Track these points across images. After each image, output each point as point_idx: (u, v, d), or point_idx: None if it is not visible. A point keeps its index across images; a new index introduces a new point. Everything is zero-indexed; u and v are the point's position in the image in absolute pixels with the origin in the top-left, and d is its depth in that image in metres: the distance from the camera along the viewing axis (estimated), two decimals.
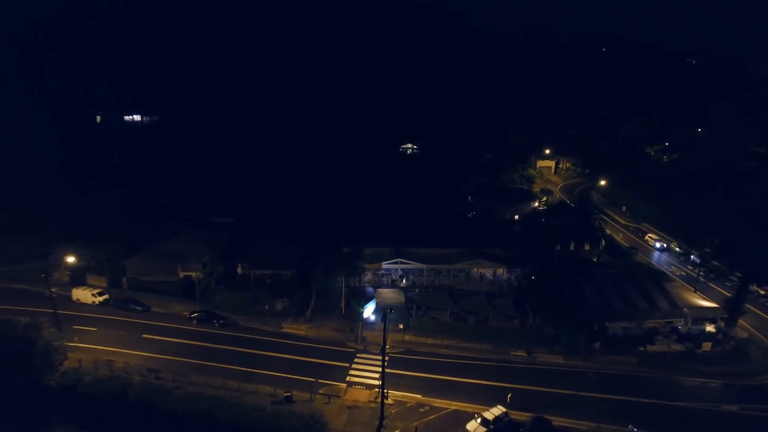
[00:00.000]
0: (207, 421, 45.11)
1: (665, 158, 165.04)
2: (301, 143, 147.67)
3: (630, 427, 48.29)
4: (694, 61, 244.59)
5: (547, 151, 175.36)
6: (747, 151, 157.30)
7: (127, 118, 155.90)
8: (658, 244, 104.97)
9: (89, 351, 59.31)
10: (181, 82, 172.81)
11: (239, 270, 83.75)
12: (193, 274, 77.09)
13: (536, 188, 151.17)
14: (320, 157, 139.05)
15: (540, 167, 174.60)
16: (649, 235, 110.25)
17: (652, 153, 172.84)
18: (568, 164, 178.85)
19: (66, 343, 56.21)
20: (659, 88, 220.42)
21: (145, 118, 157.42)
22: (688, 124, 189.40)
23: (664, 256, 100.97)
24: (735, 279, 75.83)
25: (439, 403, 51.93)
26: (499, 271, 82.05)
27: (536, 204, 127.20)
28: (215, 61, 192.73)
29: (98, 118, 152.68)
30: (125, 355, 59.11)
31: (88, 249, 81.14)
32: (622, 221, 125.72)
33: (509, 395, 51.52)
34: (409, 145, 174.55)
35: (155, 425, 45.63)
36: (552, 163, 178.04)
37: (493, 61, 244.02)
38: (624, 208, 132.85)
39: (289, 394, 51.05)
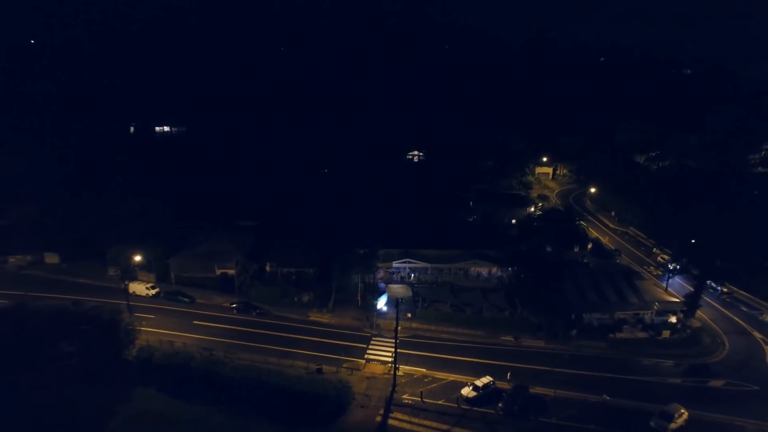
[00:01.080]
0: (258, 384, 57.42)
1: (653, 166, 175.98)
2: (318, 151, 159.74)
3: (603, 396, 60.25)
4: (688, 71, 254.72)
5: (545, 159, 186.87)
6: (728, 158, 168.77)
7: (157, 129, 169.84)
8: (671, 266, 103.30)
9: (152, 333, 71.55)
10: (204, 94, 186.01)
11: (268, 268, 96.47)
12: (229, 271, 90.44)
13: (534, 194, 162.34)
14: (336, 164, 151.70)
15: (538, 173, 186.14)
16: (661, 255, 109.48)
17: (641, 161, 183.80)
18: (564, 171, 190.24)
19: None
20: (654, 97, 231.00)
21: (173, 129, 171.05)
22: (679, 133, 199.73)
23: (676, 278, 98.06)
24: (692, 276, 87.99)
25: (440, 375, 64.35)
26: (494, 269, 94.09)
27: (532, 209, 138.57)
28: (234, 73, 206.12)
29: (132, 129, 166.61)
30: (181, 337, 71.40)
31: (136, 249, 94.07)
32: (610, 225, 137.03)
33: (509, 373, 63.05)
34: (416, 152, 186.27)
35: (216, 387, 58.19)
36: (550, 170, 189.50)
37: (495, 69, 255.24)
38: (613, 213, 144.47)
39: (319, 367, 63.55)
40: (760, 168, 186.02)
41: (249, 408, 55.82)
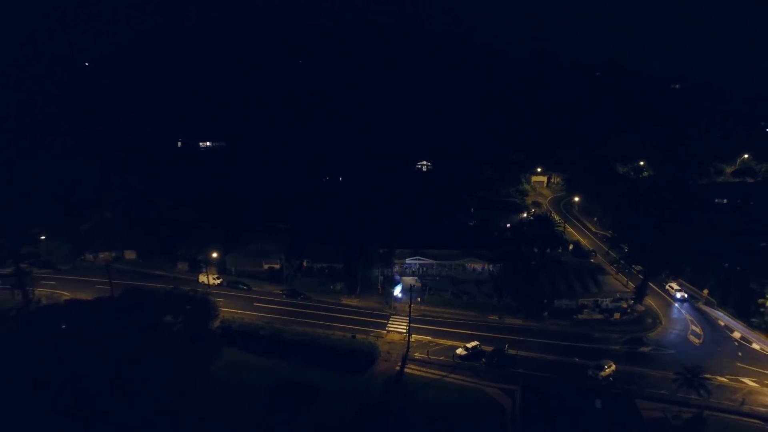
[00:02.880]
0: (311, 344, 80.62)
1: (632, 174, 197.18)
2: (334, 162, 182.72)
3: (575, 358, 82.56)
4: (677, 86, 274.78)
5: (539, 169, 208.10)
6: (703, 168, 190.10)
7: (201, 144, 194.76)
8: (678, 294, 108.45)
9: (226, 312, 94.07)
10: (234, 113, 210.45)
11: (305, 263, 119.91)
12: (275, 266, 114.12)
13: (529, 200, 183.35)
14: (353, 175, 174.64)
15: (534, 182, 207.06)
16: (671, 284, 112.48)
17: (624, 170, 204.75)
18: (558, 179, 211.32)
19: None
20: (645, 110, 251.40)
21: (215, 143, 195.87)
22: (666, 144, 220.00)
23: (685, 306, 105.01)
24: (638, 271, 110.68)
25: (441, 341, 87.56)
26: (486, 266, 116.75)
27: (525, 215, 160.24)
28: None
29: (179, 144, 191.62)
30: (247, 315, 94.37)
31: (201, 247, 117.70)
32: (592, 229, 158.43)
33: (507, 345, 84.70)
34: (425, 163, 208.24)
35: (281, 347, 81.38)
36: (544, 179, 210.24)
37: (497, 83, 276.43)
38: (595, 219, 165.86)
39: (353, 335, 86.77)
40: (734, 178, 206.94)
41: (306, 360, 78.84)
